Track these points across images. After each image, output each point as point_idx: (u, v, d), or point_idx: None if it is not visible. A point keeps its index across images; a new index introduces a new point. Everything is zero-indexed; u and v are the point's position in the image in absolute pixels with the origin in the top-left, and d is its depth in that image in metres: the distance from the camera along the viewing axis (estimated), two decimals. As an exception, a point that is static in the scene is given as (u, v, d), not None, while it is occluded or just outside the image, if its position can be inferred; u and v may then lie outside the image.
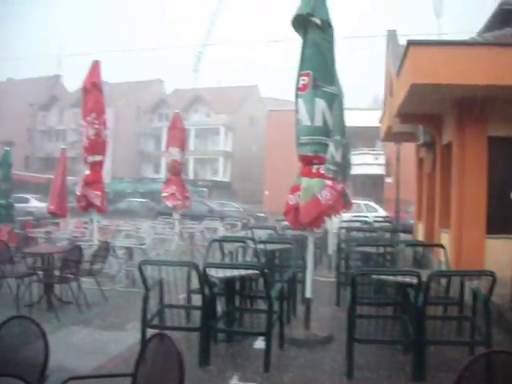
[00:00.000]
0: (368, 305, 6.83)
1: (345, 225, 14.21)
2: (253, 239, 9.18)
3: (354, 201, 16.79)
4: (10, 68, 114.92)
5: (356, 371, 5.53)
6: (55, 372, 3.54)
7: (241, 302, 7.24)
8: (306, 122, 6.87)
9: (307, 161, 7.01)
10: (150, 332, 5.49)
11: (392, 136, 16.61)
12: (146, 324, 5.95)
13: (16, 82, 65.87)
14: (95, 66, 11.43)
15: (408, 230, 16.42)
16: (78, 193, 11.50)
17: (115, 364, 5.95)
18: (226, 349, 6.55)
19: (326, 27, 6.79)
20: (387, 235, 12.63)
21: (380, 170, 42.65)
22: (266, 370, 5.60)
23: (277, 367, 5.77)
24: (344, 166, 12.58)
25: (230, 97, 58.15)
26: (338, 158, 11.48)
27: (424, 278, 5.45)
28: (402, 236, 13.36)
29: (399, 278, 6.28)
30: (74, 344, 6.78)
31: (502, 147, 9.71)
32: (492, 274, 5.43)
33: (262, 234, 12.20)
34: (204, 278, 5.91)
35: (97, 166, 11.44)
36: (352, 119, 16.75)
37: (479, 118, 9.54)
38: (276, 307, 6.24)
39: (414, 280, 5.54)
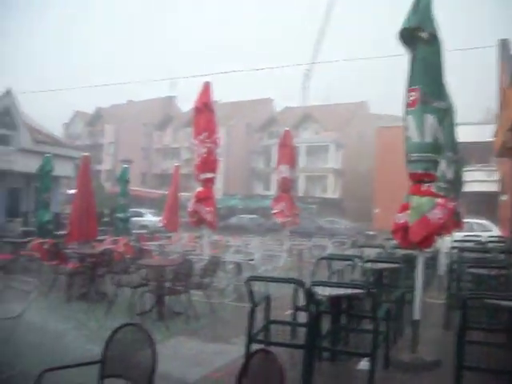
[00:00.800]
0: (479, 330, 6.49)
1: (457, 245, 13.64)
2: (361, 258, 9.06)
3: (466, 220, 16.06)
4: (129, 91, 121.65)
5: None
6: (162, 379, 3.68)
7: (346, 321, 7.14)
8: (416, 138, 6.71)
9: (417, 178, 6.83)
10: (254, 346, 5.56)
11: (506, 151, 15.80)
12: (251, 338, 6.01)
13: (134, 104, 69.70)
14: (206, 87, 11.79)
15: (525, 250, 15.40)
16: (190, 209, 11.87)
17: (219, 376, 6.09)
18: (330, 368, 6.46)
19: (434, 41, 6.64)
20: (501, 256, 11.96)
21: (494, 187, 40.59)
22: (370, 391, 5.46)
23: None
24: (456, 183, 12.09)
25: (338, 114, 57.98)
26: (450, 175, 11.08)
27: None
28: (518, 257, 12.56)
29: (513, 304, 5.94)
30: (181, 353, 7.01)
31: None
32: None
33: (370, 252, 11.98)
34: (310, 296, 5.89)
35: (208, 183, 11.75)
36: (464, 134, 16.08)
37: None
38: (382, 328, 6.10)
39: (530, 306, 5.22)
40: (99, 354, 3.82)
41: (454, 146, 11.37)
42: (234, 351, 6.96)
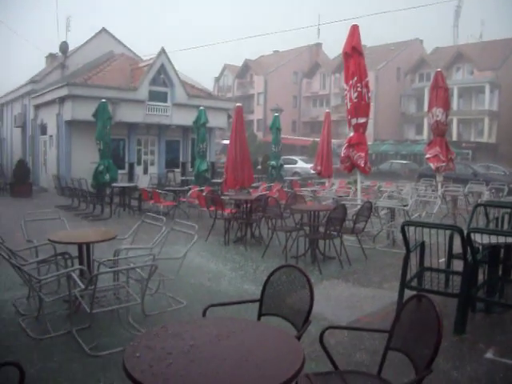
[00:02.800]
0: None
1: None
2: (520, 205, 8.55)
3: None
4: (275, 41, 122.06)
5: None
6: (315, 319, 3.81)
7: (504, 272, 6.78)
8: None
9: None
10: (407, 293, 5.54)
11: None
12: (404, 284, 6.00)
13: (281, 54, 70.09)
14: (354, 31, 11.50)
15: None
16: (343, 154, 11.89)
17: (370, 320, 6.16)
18: (484, 319, 6.25)
19: None
20: None
21: None
22: (525, 348, 5.23)
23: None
24: None
25: (494, 52, 53.64)
26: None
27: None
28: None
29: None
30: (333, 296, 7.18)
31: None
32: None
33: (530, 200, 11.26)
34: (468, 244, 5.70)
35: (360, 128, 11.63)
36: None
37: None
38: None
39: None
40: (255, 293, 4.02)
41: None
42: (386, 296, 7.01)
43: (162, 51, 24.43)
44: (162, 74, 24.56)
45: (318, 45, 69.74)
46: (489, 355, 5.11)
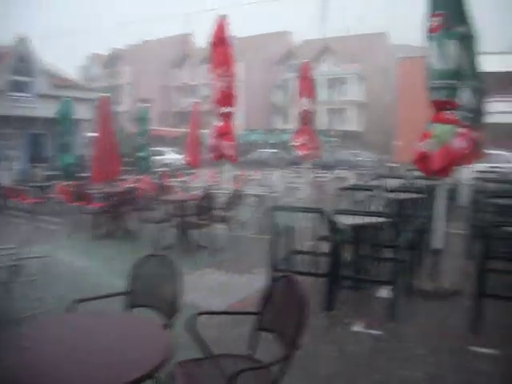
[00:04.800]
0: (499, 259, 6.37)
1: (479, 175, 13.50)
2: (383, 188, 9.04)
3: (487, 151, 15.72)
4: (144, 30, 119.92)
5: (483, 327, 5.27)
6: (187, 308, 3.77)
7: (369, 251, 7.14)
8: (438, 65, 6.52)
9: (439, 106, 6.68)
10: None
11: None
12: (273, 267, 6.13)
13: (150, 44, 68.99)
14: (222, 21, 11.55)
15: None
16: (211, 144, 11.91)
17: (242, 305, 6.28)
18: (352, 296, 6.58)
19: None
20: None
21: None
22: (391, 318, 5.60)
23: (401, 317, 5.70)
24: (479, 113, 11.80)
25: (358, 45, 56.48)
26: (474, 104, 10.81)
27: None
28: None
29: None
30: (206, 285, 7.22)
31: None
32: None
33: (392, 183, 11.92)
34: (332, 225, 5.94)
35: (227, 118, 11.68)
36: (487, 64, 15.48)
37: None
38: (404, 257, 6.12)
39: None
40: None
41: (477, 74, 11.03)
42: (257, 281, 7.11)
43: (23, 38, 23.13)
44: (23, 62, 23.25)
45: (187, 34, 69.47)
46: (356, 328, 5.44)
